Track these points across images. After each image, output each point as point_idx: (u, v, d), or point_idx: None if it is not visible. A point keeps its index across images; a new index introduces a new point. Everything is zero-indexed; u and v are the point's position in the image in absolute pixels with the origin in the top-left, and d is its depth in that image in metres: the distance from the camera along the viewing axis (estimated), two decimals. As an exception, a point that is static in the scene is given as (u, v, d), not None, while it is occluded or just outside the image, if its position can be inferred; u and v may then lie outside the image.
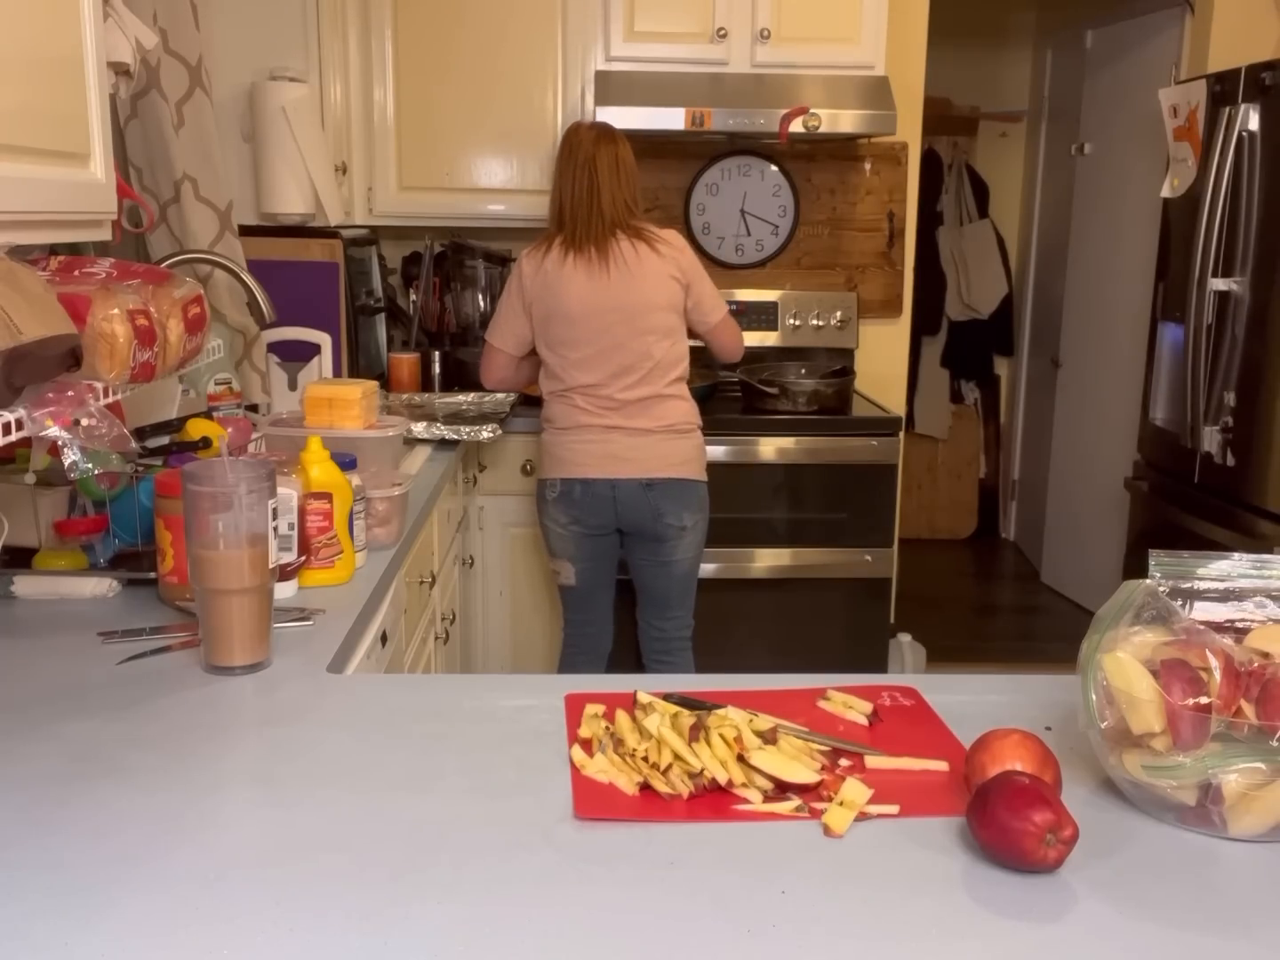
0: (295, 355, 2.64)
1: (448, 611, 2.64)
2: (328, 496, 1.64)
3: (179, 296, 1.53)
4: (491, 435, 2.73)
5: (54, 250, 1.63)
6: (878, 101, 3.18)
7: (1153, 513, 3.58)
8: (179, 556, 1.50)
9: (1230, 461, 3.14)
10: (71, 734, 1.17)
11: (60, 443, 1.28)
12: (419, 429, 2.66)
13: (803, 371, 3.49)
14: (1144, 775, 1.01)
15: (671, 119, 3.14)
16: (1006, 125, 5.37)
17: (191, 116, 2.20)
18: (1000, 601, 4.90)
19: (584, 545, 2.70)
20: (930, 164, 5.01)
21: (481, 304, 3.43)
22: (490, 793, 1.07)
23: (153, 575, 1.58)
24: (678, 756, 1.08)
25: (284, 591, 1.56)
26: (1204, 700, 0.99)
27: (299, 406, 2.16)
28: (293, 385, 2.62)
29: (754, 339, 3.62)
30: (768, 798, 1.06)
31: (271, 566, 1.35)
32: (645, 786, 1.07)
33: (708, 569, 2.96)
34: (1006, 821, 0.92)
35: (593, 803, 1.04)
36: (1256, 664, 1.02)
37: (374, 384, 2.19)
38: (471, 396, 3.13)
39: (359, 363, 2.96)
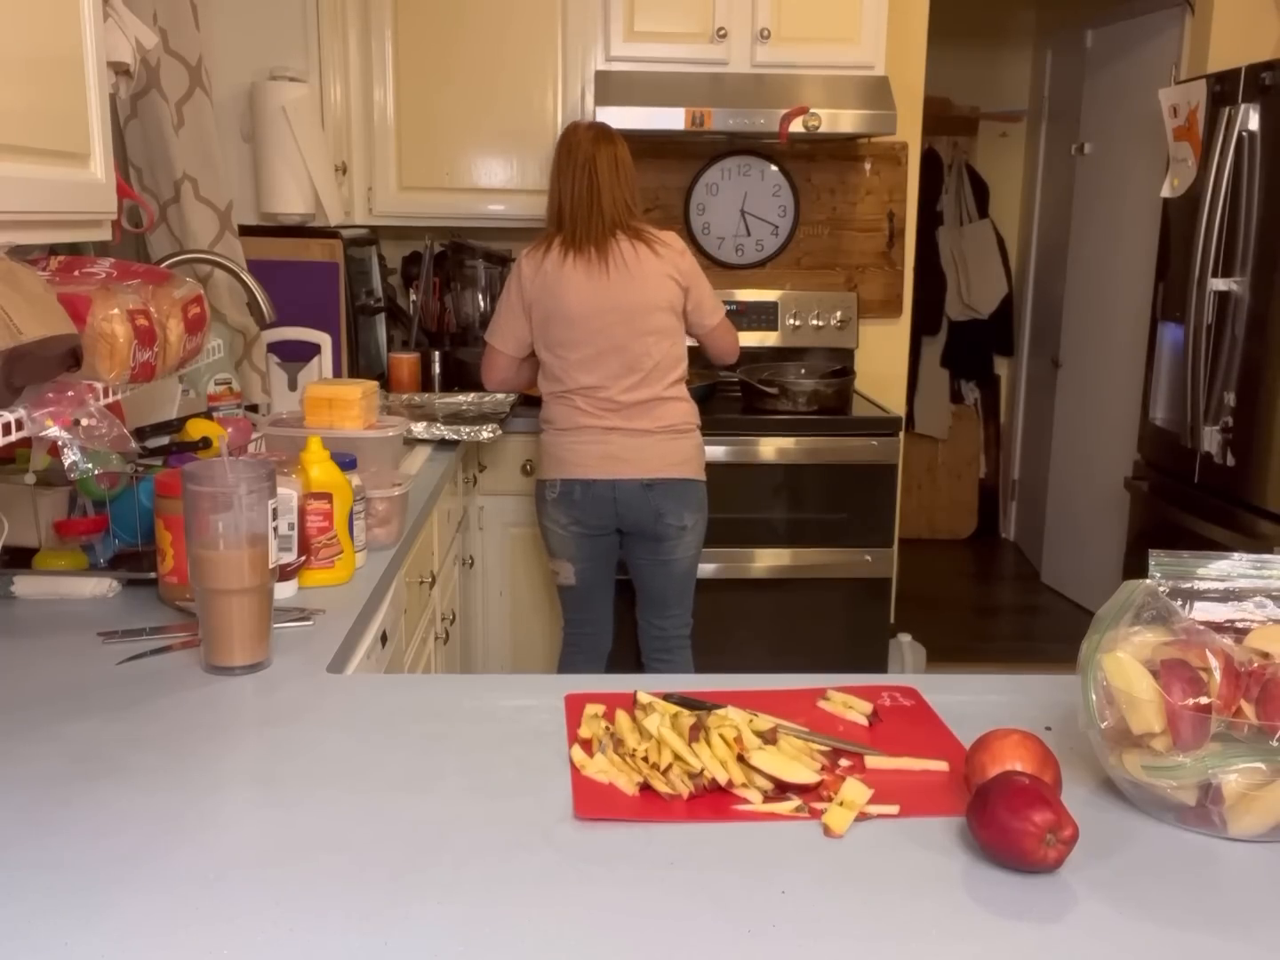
0: (295, 355, 2.64)
1: (448, 611, 2.64)
2: (328, 496, 1.64)
3: (179, 296, 1.53)
4: (491, 435, 2.73)
5: (54, 250, 1.63)
6: (878, 101, 3.18)
7: (1153, 513, 3.58)
8: (179, 556, 1.50)
9: (1230, 461, 3.14)
10: (71, 734, 1.17)
11: (60, 443, 1.28)
12: (419, 429, 2.66)
13: (803, 371, 3.49)
14: (1144, 775, 1.01)
15: (671, 119, 3.14)
16: (1006, 125, 5.37)
17: (191, 116, 2.20)
18: (1000, 601, 4.90)
19: (584, 546, 2.70)
20: (930, 164, 5.01)
21: (481, 304, 3.43)
22: (490, 793, 1.07)
23: (153, 575, 1.58)
24: (678, 756, 1.08)
25: (284, 591, 1.56)
26: (1204, 700, 0.99)
27: (299, 406, 2.16)
28: (293, 385, 2.62)
29: (754, 339, 3.63)
30: (768, 798, 1.06)
31: (271, 566, 1.35)
32: (645, 786, 1.07)
33: (707, 569, 2.96)
34: (1006, 821, 0.92)
35: (593, 803, 1.04)
36: (1256, 664, 1.02)
37: (374, 384, 2.19)
38: (471, 396, 3.13)
39: (359, 363, 2.96)
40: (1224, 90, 3.17)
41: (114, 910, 0.87)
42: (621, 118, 3.16)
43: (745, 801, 1.05)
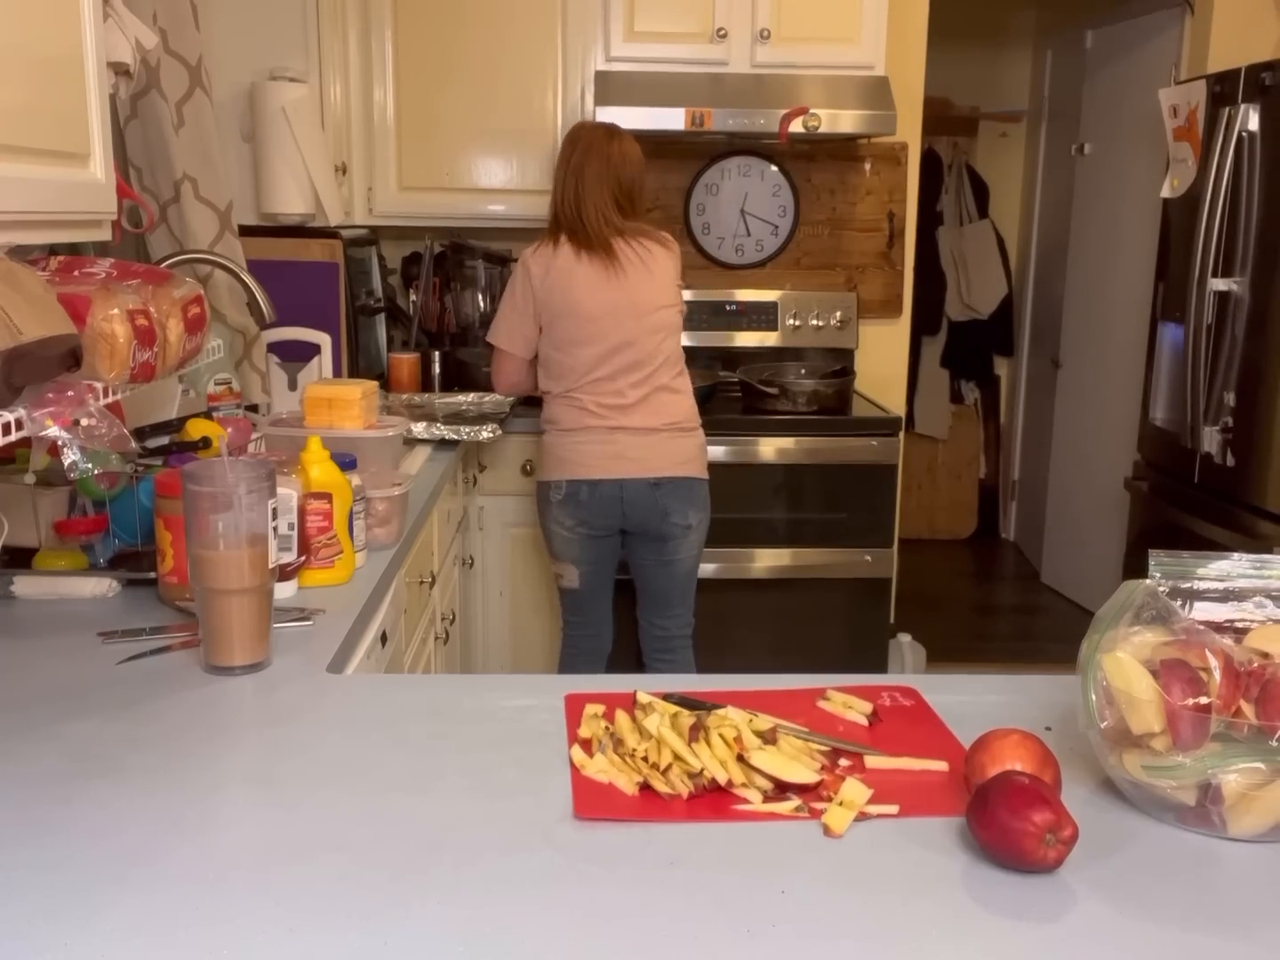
0: (295, 355, 2.64)
1: (448, 611, 2.64)
2: (328, 496, 1.64)
3: (179, 296, 1.53)
4: (491, 435, 2.73)
5: (54, 250, 1.63)
6: (878, 101, 3.18)
7: (1153, 513, 3.58)
8: (179, 556, 1.50)
9: (1230, 461, 3.14)
10: (71, 734, 1.17)
11: (60, 443, 1.28)
12: (419, 429, 2.66)
13: (803, 371, 3.49)
14: (1144, 775, 1.01)
15: (671, 119, 3.14)
16: (1006, 125, 5.37)
17: (191, 116, 2.20)
18: (1000, 601, 4.90)
19: (589, 548, 2.69)
20: (930, 164, 5.01)
21: (481, 304, 3.43)
22: (490, 793, 1.07)
23: (153, 575, 1.58)
24: (678, 756, 1.08)
25: (284, 591, 1.56)
26: (1204, 700, 0.99)
27: (299, 406, 2.16)
28: (293, 385, 2.62)
29: (754, 339, 3.63)
30: (768, 798, 1.06)
31: (271, 566, 1.35)
32: (645, 786, 1.07)
33: (707, 569, 2.96)
34: (1006, 821, 0.92)
35: (593, 803, 1.04)
36: (1256, 664, 1.02)
37: (374, 384, 2.19)
38: (471, 396, 3.13)
39: (359, 363, 2.96)
40: (1224, 90, 3.17)
41: (114, 910, 0.87)
42: (621, 118, 3.15)
43: (745, 801, 1.05)
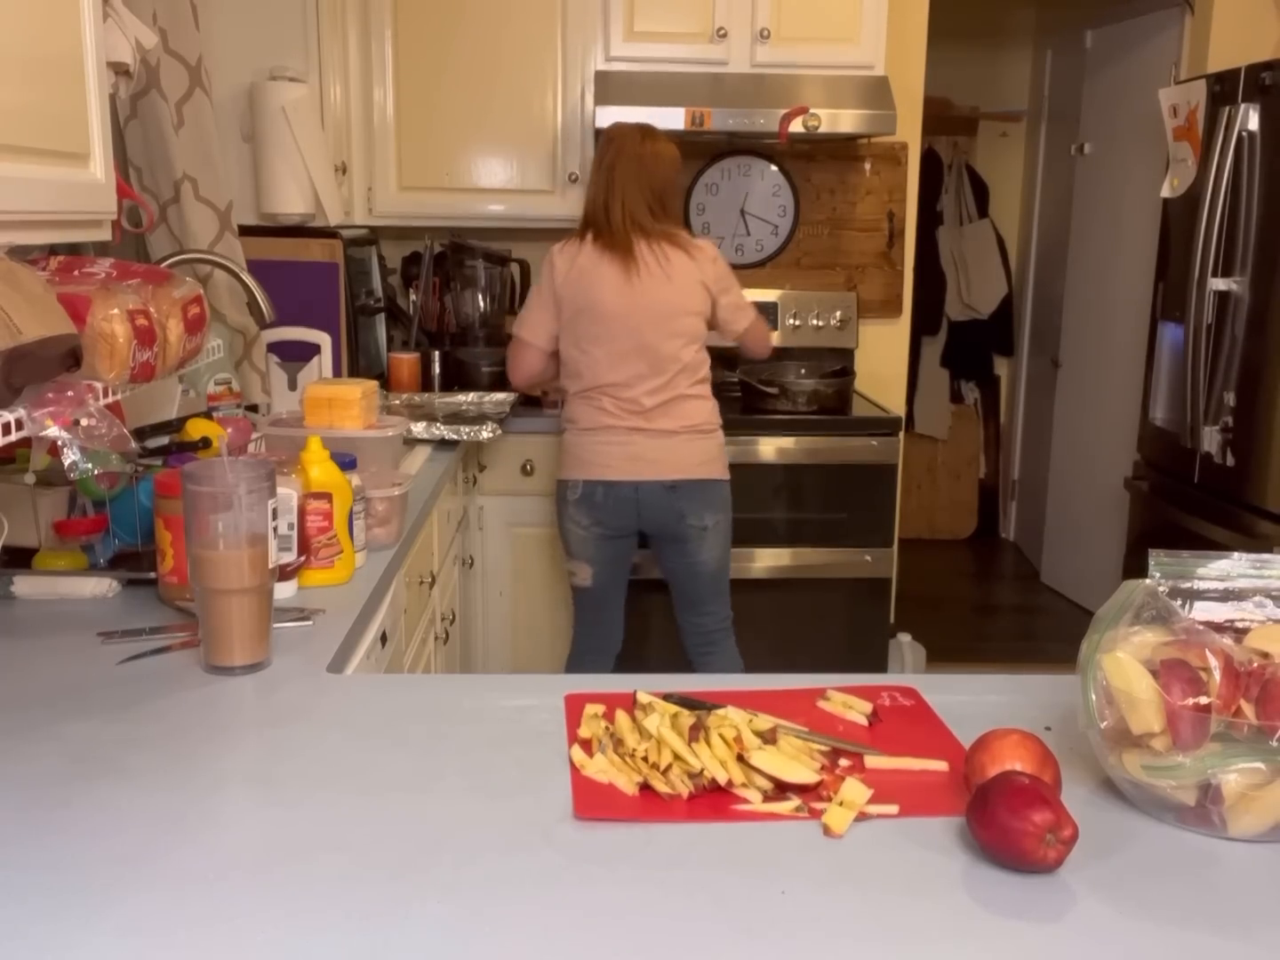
0: (295, 355, 2.64)
1: (448, 611, 2.64)
2: (328, 496, 1.63)
3: (179, 296, 1.53)
4: (491, 435, 2.73)
5: (54, 250, 1.63)
6: (878, 101, 3.18)
7: (1153, 513, 3.58)
8: (179, 556, 1.50)
9: (1230, 461, 3.14)
10: (71, 734, 1.17)
11: (60, 443, 1.28)
12: (419, 429, 2.66)
13: (803, 371, 3.49)
14: (1144, 775, 1.01)
15: (671, 119, 3.14)
16: (1006, 125, 5.37)
17: (191, 116, 2.20)
18: (1000, 601, 4.90)
19: (604, 548, 2.70)
20: (930, 164, 5.01)
21: (481, 304, 3.43)
22: (490, 793, 1.07)
23: (152, 575, 1.58)
24: (678, 756, 1.08)
25: (284, 591, 1.56)
26: (1204, 700, 0.99)
27: (299, 406, 2.16)
28: (293, 385, 2.62)
29: (754, 339, 3.62)
30: (767, 798, 1.06)
31: (271, 566, 1.35)
32: (645, 786, 1.07)
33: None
34: (1006, 821, 0.92)
35: (593, 803, 1.04)
36: (1256, 664, 1.02)
37: (374, 384, 2.19)
38: (471, 396, 3.13)
39: (359, 363, 2.96)
40: (1224, 90, 3.17)
41: (114, 910, 0.87)
42: (621, 118, 3.15)
43: (745, 801, 1.05)
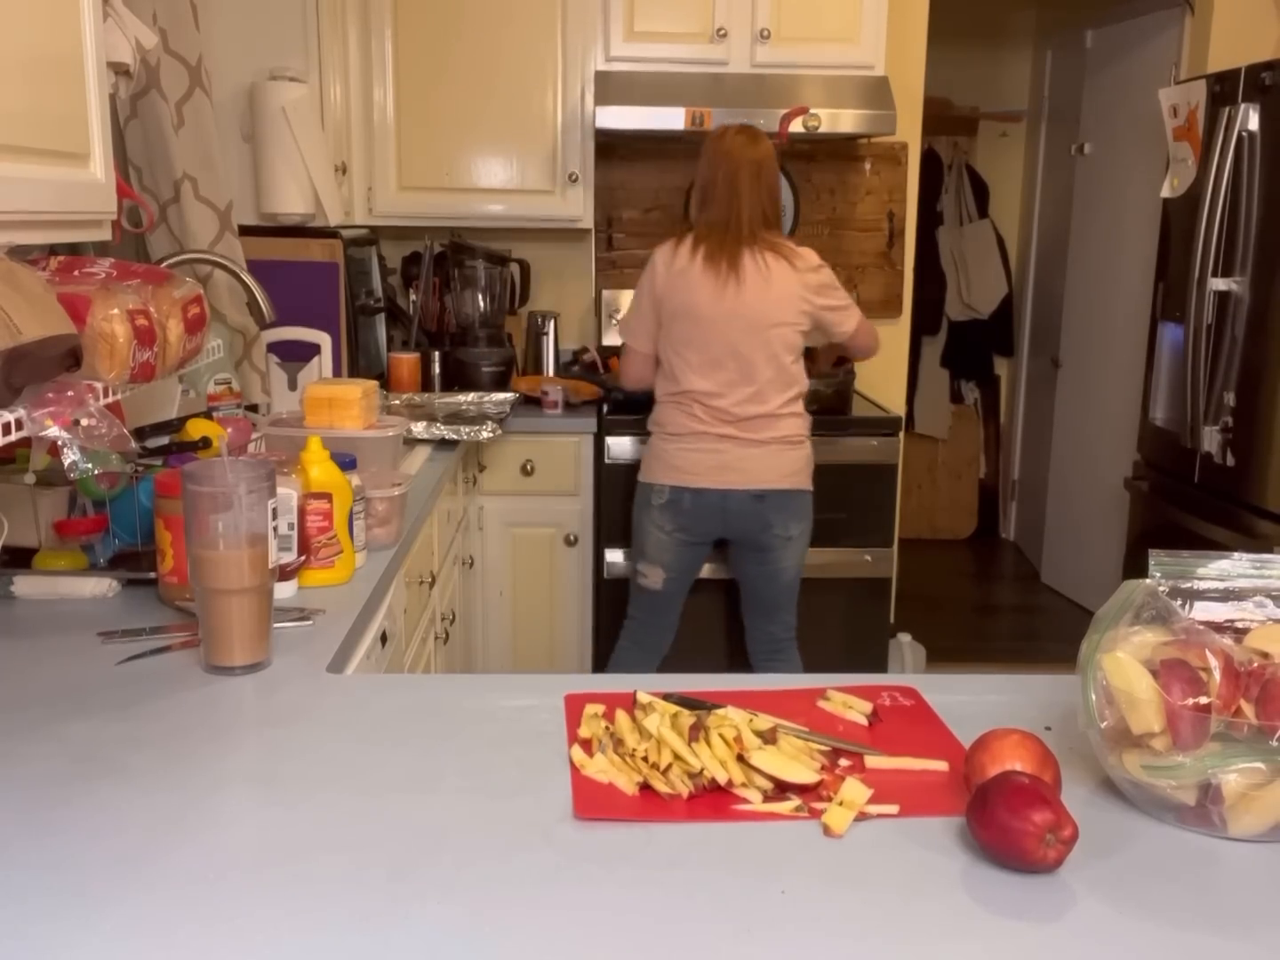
0: (295, 355, 2.64)
1: (448, 611, 2.64)
2: (328, 496, 1.63)
3: (179, 296, 1.53)
4: (491, 435, 2.73)
5: (54, 250, 1.63)
6: (878, 101, 3.18)
7: (1153, 513, 3.58)
8: (179, 556, 1.50)
9: (1230, 461, 3.14)
10: (71, 734, 1.17)
11: (60, 443, 1.28)
12: (419, 429, 2.66)
13: (803, 371, 3.48)
14: (1144, 775, 1.01)
15: (671, 119, 3.14)
16: (1006, 125, 5.37)
17: (191, 116, 2.20)
18: (1000, 601, 4.90)
19: (683, 553, 2.71)
20: (930, 164, 5.01)
21: (481, 304, 3.43)
22: (490, 793, 1.07)
23: (153, 575, 1.58)
24: (678, 756, 1.08)
25: (284, 591, 1.56)
26: (1204, 700, 0.99)
27: (299, 406, 2.16)
28: (293, 385, 2.62)
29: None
30: (768, 798, 1.06)
31: (271, 566, 1.35)
32: (645, 786, 1.07)
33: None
34: (1006, 821, 0.92)
35: (593, 803, 1.04)
36: (1256, 664, 1.02)
37: (374, 384, 2.19)
38: (471, 396, 3.13)
39: (359, 363, 2.96)
40: (1224, 90, 3.17)
41: (114, 910, 0.87)
42: (621, 118, 3.16)
43: (745, 801, 1.05)
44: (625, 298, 3.63)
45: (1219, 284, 3.15)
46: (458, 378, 3.28)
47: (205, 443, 1.75)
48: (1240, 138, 3.07)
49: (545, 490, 3.16)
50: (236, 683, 1.32)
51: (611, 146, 3.54)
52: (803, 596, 3.20)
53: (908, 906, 0.89)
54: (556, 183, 3.29)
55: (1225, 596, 1.10)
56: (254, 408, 2.39)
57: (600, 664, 3.22)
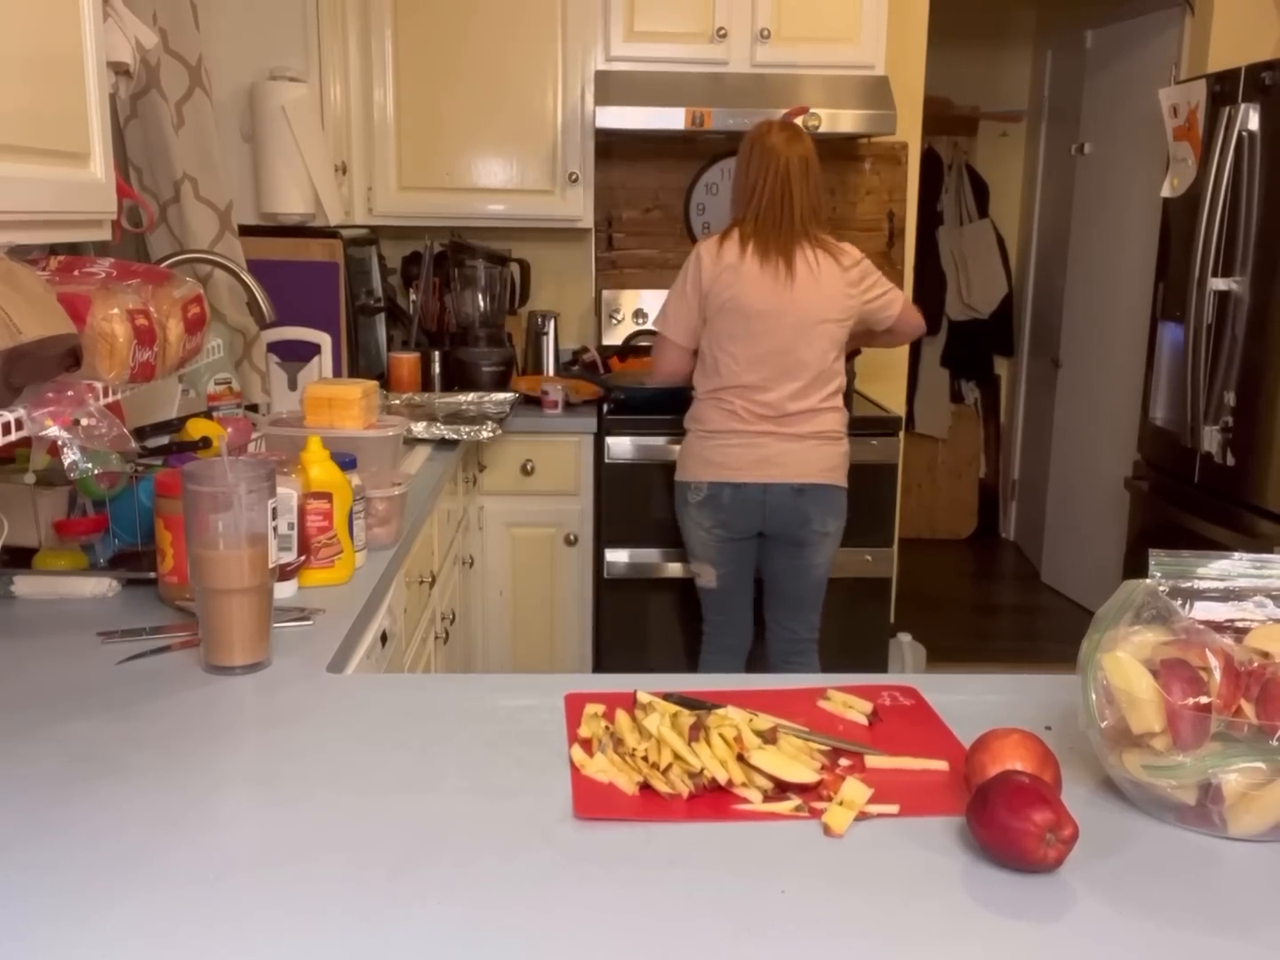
0: (295, 355, 2.64)
1: (448, 611, 2.64)
2: (328, 496, 1.63)
3: (179, 296, 1.53)
4: (491, 435, 2.73)
5: (54, 250, 1.63)
6: (878, 101, 3.18)
7: (1153, 512, 3.58)
8: (179, 556, 1.50)
9: (1230, 461, 3.14)
10: (71, 734, 1.17)
11: (60, 443, 1.28)
12: (419, 429, 2.66)
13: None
14: (1144, 775, 1.01)
15: (671, 119, 3.14)
16: (1006, 125, 5.37)
17: (191, 116, 2.20)
18: (1000, 601, 4.90)
19: (726, 550, 2.71)
20: (930, 164, 5.01)
21: (481, 304, 3.43)
22: (490, 793, 1.07)
23: (153, 575, 1.58)
24: (678, 756, 1.08)
25: (284, 591, 1.56)
26: (1204, 700, 0.99)
27: (299, 406, 2.16)
28: (293, 385, 2.62)
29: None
30: (768, 797, 1.06)
31: (271, 566, 1.35)
32: (645, 786, 1.07)
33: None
34: (1006, 821, 0.92)
35: (593, 803, 1.04)
36: (1256, 664, 1.02)
37: (374, 384, 2.18)
38: (471, 396, 3.13)
39: (359, 363, 2.96)
40: (1224, 90, 3.17)
41: (114, 910, 0.87)
42: (621, 118, 3.16)
43: (745, 801, 1.05)
44: (625, 297, 3.63)
45: (1219, 284, 3.15)
46: (458, 377, 3.28)
47: (205, 443, 1.75)
48: (1240, 137, 3.07)
49: (545, 490, 3.16)
50: (236, 682, 1.32)
51: (611, 146, 3.54)
52: (803, 596, 3.20)
53: (908, 906, 0.89)
54: (556, 182, 3.29)
55: (1225, 596, 1.10)
56: (254, 408, 2.39)
57: (600, 664, 3.22)
